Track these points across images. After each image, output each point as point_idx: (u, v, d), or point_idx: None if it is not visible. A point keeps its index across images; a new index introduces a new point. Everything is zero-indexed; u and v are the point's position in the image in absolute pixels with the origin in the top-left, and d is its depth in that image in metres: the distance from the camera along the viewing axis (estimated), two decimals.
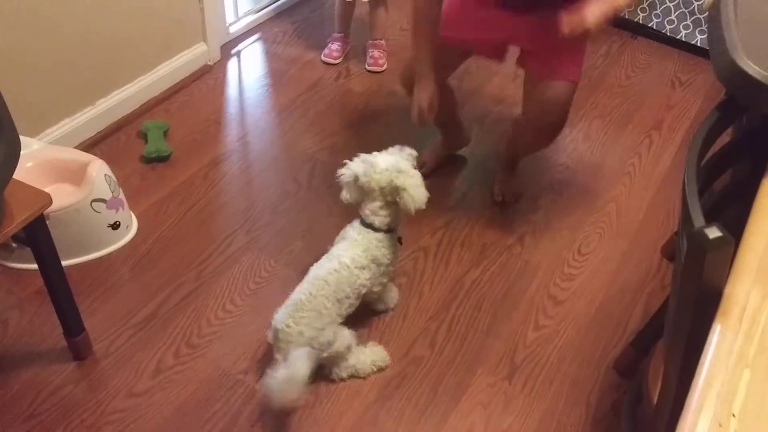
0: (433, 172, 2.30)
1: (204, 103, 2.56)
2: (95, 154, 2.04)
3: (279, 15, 3.05)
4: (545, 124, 1.96)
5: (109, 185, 1.94)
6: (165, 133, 2.36)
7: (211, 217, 2.13)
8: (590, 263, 2.05)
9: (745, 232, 0.96)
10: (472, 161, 2.39)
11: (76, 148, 2.20)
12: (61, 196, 1.82)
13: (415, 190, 1.64)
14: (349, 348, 1.66)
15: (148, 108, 2.48)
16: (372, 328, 1.84)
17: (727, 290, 0.85)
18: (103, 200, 1.92)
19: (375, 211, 1.68)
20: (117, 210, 1.97)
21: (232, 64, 2.78)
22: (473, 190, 2.28)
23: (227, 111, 2.56)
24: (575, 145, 2.47)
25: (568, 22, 1.62)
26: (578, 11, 1.62)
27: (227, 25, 2.83)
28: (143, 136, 2.35)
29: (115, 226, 1.98)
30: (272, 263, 1.98)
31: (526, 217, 2.19)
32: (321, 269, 1.65)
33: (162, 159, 2.28)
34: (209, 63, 2.73)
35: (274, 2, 3.04)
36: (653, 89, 2.77)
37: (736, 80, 1.21)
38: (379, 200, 1.67)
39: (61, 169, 1.96)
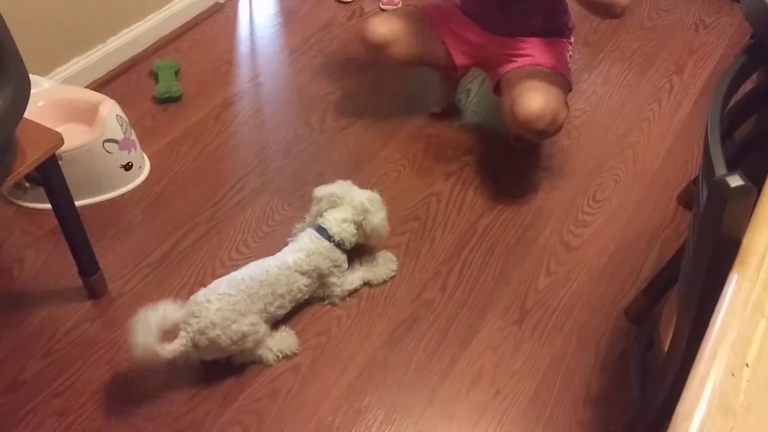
0: (448, 115, 2.27)
1: (215, 43, 2.51)
2: (106, 94, 2.02)
3: None
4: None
5: (121, 126, 1.93)
6: (176, 73, 2.33)
7: (223, 159, 2.12)
8: (605, 210, 2.03)
9: (767, 181, 0.93)
10: (488, 106, 2.35)
11: (87, 87, 2.19)
12: (73, 136, 1.82)
13: (381, 221, 1.74)
14: (258, 344, 1.58)
15: (159, 47, 2.45)
16: None
17: (746, 240, 0.84)
18: (115, 141, 1.91)
19: (337, 221, 1.70)
20: (129, 151, 1.97)
21: (243, 2, 2.72)
22: (488, 136, 2.25)
23: (239, 51, 2.51)
24: (594, 88, 2.42)
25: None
26: None
27: None
28: (154, 76, 2.32)
29: (128, 167, 1.98)
30: (285, 206, 1.98)
31: (541, 163, 2.16)
32: (263, 262, 1.65)
33: (173, 99, 2.26)
34: (220, 1, 2.67)
35: None
36: (676, 32, 2.69)
37: (766, 21, 1.16)
38: (346, 213, 1.71)
39: (72, 109, 1.95)
